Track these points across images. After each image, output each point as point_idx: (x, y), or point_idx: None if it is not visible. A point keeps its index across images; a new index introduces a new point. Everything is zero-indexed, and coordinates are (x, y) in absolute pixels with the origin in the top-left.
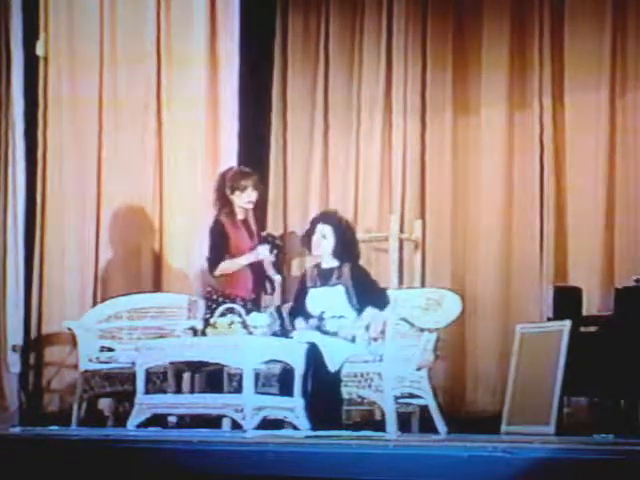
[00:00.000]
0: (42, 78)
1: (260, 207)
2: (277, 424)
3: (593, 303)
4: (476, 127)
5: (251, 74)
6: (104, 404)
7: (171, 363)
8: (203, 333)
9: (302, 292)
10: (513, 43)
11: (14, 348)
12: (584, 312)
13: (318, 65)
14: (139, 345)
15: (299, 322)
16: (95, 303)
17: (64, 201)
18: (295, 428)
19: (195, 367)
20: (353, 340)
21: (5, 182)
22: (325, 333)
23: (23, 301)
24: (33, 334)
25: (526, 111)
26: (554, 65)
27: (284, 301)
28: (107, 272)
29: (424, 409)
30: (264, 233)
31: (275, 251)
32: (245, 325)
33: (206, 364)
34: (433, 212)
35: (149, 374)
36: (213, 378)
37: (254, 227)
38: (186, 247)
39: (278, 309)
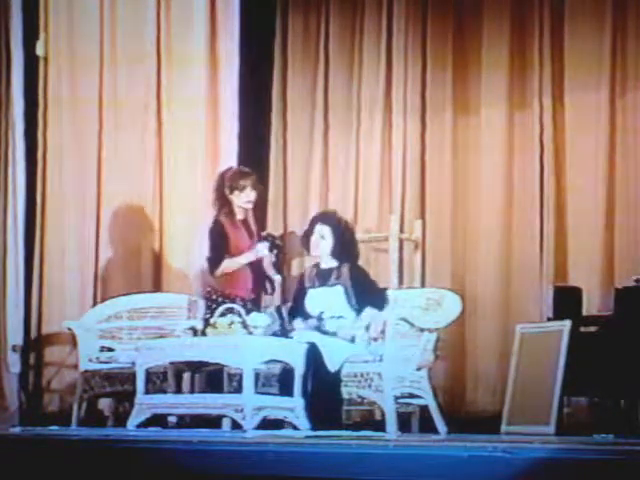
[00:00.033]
0: (42, 78)
1: (260, 207)
2: (277, 424)
3: (593, 303)
4: (476, 127)
5: (251, 74)
6: (104, 404)
7: (171, 363)
8: (203, 333)
9: (301, 292)
10: (513, 43)
11: (14, 348)
12: (584, 312)
13: (318, 65)
14: (139, 345)
15: (298, 322)
16: (95, 303)
17: (64, 201)
18: (295, 428)
19: (195, 367)
20: (352, 340)
21: (5, 182)
22: (325, 333)
23: (23, 301)
24: (33, 334)
25: (526, 111)
26: (554, 65)
27: (284, 301)
28: (107, 272)
29: (424, 409)
30: (264, 233)
31: (275, 251)
32: (245, 325)
33: (206, 364)
34: (433, 212)
35: (149, 374)
36: (213, 378)
37: (254, 227)
38: (186, 247)
39: (278, 309)
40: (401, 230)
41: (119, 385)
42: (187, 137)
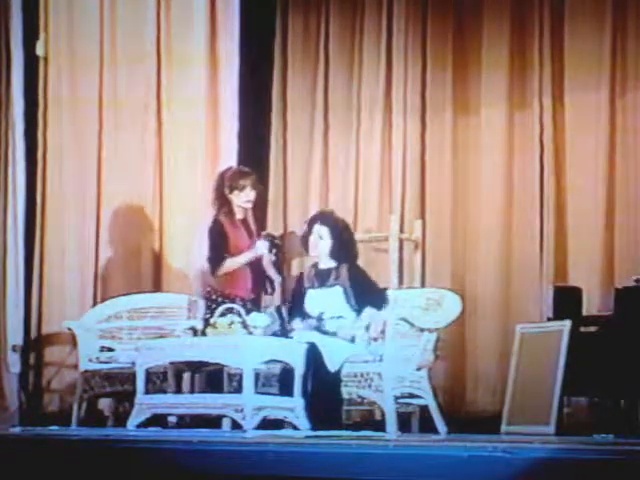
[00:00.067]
0: (42, 78)
1: (260, 207)
2: (277, 424)
3: (593, 303)
4: (476, 127)
5: (251, 74)
6: (104, 404)
7: (171, 363)
8: (203, 333)
9: (299, 293)
10: (513, 43)
11: (14, 348)
12: (584, 312)
13: (318, 65)
14: (139, 345)
15: (297, 322)
16: (95, 303)
17: (64, 201)
18: (295, 428)
19: (195, 367)
20: (352, 340)
21: (5, 182)
22: (325, 333)
23: (23, 301)
24: (33, 334)
25: (526, 111)
26: (554, 65)
27: (284, 301)
28: (107, 272)
29: (424, 409)
30: (264, 233)
31: (274, 250)
32: (245, 325)
33: (206, 364)
34: (433, 212)
35: (149, 374)
36: (213, 378)
37: (253, 227)
38: (186, 247)
39: (278, 309)
40: (401, 230)
41: (119, 385)
42: (187, 137)
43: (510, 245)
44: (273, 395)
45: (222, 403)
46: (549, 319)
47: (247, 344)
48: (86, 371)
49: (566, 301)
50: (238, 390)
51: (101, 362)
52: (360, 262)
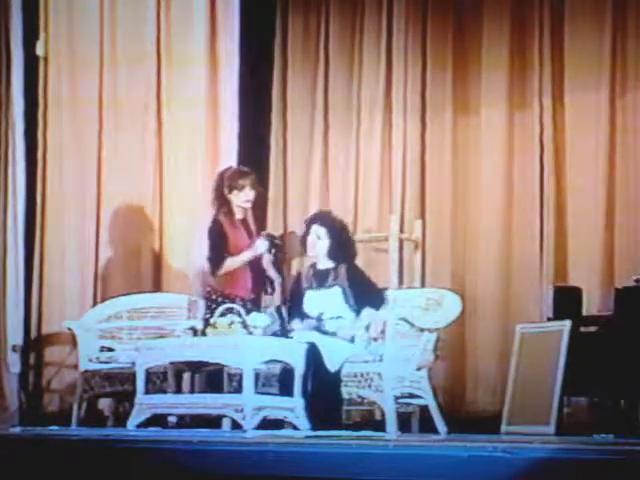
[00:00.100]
0: (42, 78)
1: (260, 207)
2: (277, 424)
3: (593, 303)
4: (476, 127)
5: (251, 74)
6: (104, 404)
7: (171, 363)
8: (203, 333)
9: (298, 293)
10: (513, 43)
11: (14, 348)
12: (584, 312)
13: (318, 65)
14: (139, 345)
15: (297, 323)
16: (95, 303)
17: (64, 201)
18: (295, 428)
19: (195, 367)
20: (352, 340)
21: (5, 182)
22: (324, 333)
23: (23, 301)
24: (33, 334)
25: (526, 111)
26: (554, 65)
27: (284, 301)
28: (107, 272)
29: (424, 409)
30: (264, 233)
31: (274, 250)
32: (245, 325)
33: (206, 364)
34: (433, 212)
35: (149, 374)
36: (213, 378)
37: (253, 227)
38: (186, 247)
39: (278, 309)
40: (401, 230)
41: (119, 385)
42: (187, 137)
43: (510, 245)
44: (273, 395)
45: (222, 403)
46: (549, 319)
47: (247, 344)
48: (86, 371)
49: (566, 301)
50: (238, 390)
51: (101, 362)
52: (360, 262)
